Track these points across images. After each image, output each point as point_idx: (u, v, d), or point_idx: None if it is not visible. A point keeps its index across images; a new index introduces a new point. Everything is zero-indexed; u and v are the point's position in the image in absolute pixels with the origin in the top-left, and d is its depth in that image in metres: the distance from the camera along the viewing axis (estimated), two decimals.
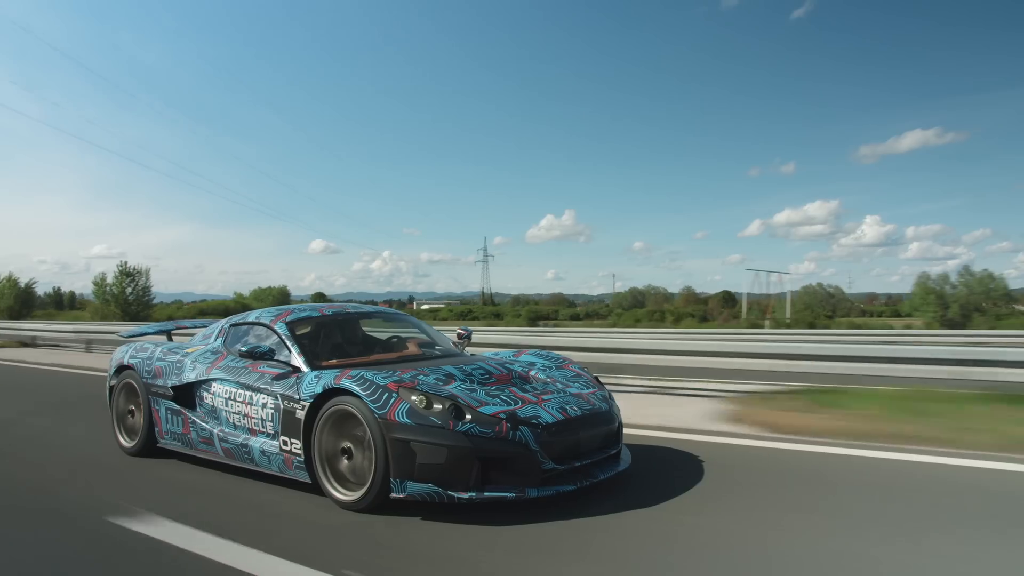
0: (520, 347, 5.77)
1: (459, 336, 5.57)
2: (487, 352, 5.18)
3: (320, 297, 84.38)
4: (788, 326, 36.04)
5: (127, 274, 43.31)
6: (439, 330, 5.69)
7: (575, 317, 71.00)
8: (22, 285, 43.76)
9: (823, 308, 57.42)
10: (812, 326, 35.56)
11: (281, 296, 75.45)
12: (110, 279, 43.03)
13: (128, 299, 42.24)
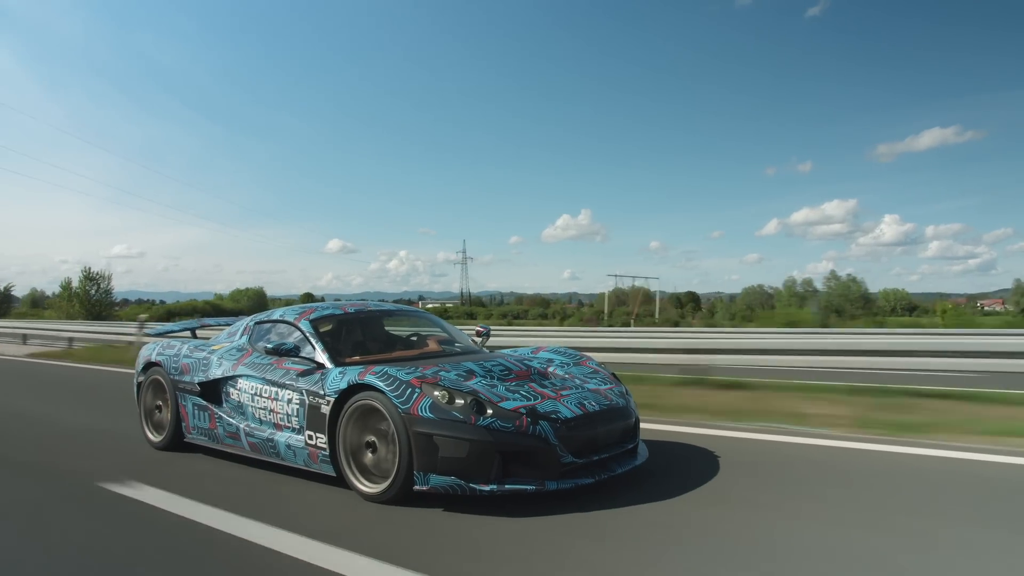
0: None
1: (478, 334, 5.67)
2: (506, 350, 5.27)
3: (308, 298, 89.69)
4: (657, 324, 41.44)
5: (91, 278, 47.93)
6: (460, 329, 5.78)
7: (543, 316, 75.72)
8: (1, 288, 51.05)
9: (765, 307, 60.03)
10: (676, 325, 39.83)
11: (257, 297, 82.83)
12: (75, 283, 47.66)
13: (92, 300, 46.66)
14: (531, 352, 4.91)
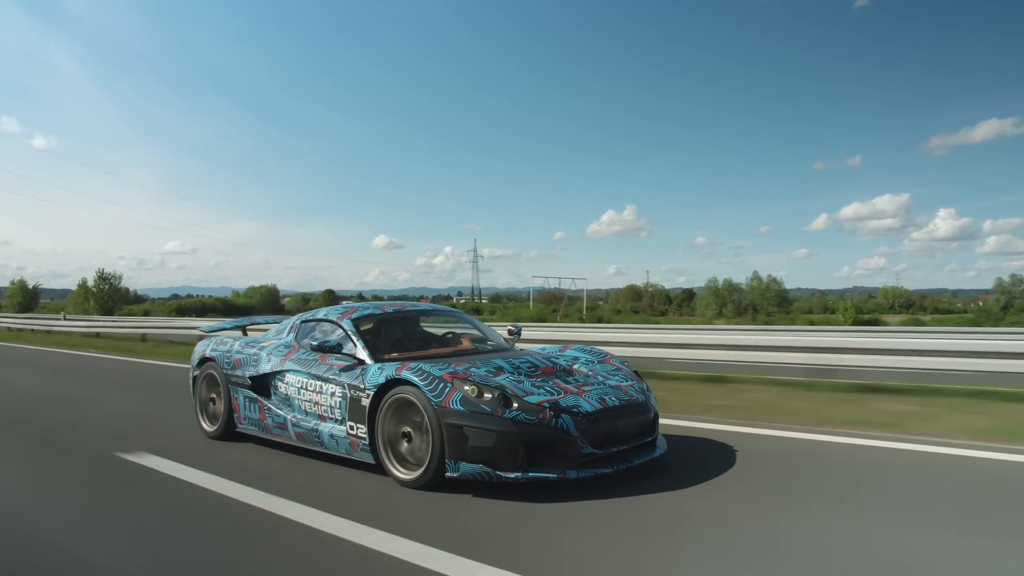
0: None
1: (510, 332, 5.96)
2: (535, 347, 5.54)
3: (330, 294, 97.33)
4: (581, 321, 45.08)
5: (104, 278, 59.66)
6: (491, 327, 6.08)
7: (591, 309, 79.19)
8: (30, 286, 61.16)
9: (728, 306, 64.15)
10: (601, 320, 43.75)
11: (270, 294, 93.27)
12: (91, 282, 59.20)
13: (105, 296, 57.87)
14: (558, 350, 5.17)
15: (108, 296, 58.36)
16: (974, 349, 7.55)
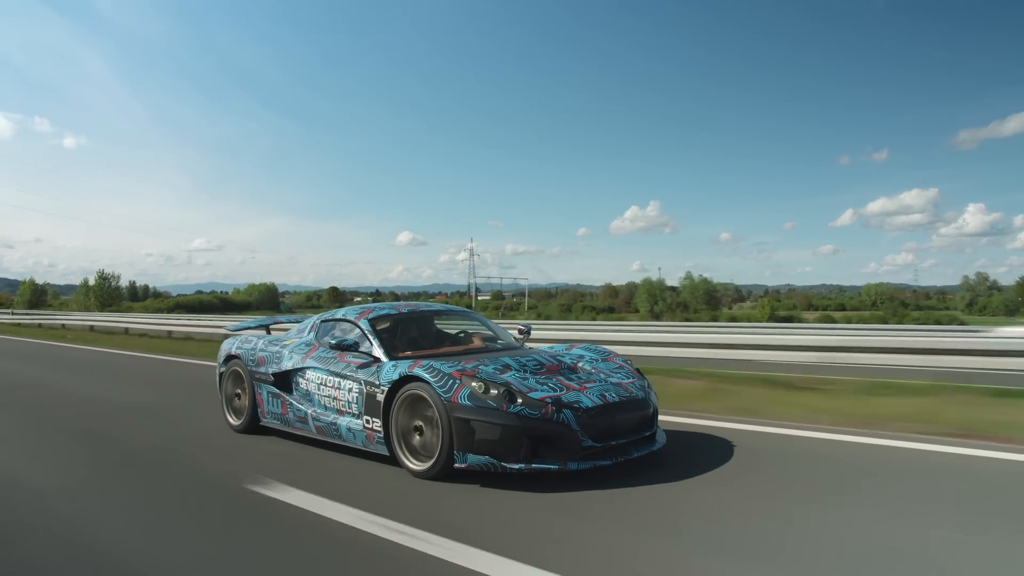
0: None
1: (520, 332, 6.21)
2: (544, 346, 5.78)
3: (334, 291, 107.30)
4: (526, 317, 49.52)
5: (104, 278, 70.46)
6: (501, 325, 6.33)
7: (532, 307, 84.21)
8: (40, 284, 73.38)
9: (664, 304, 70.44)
10: (548, 318, 49.58)
11: (269, 291, 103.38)
12: (92, 281, 69.80)
13: (104, 294, 67.68)
14: (565, 349, 5.40)
15: (107, 294, 68.56)
16: (819, 344, 9.07)
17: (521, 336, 6.13)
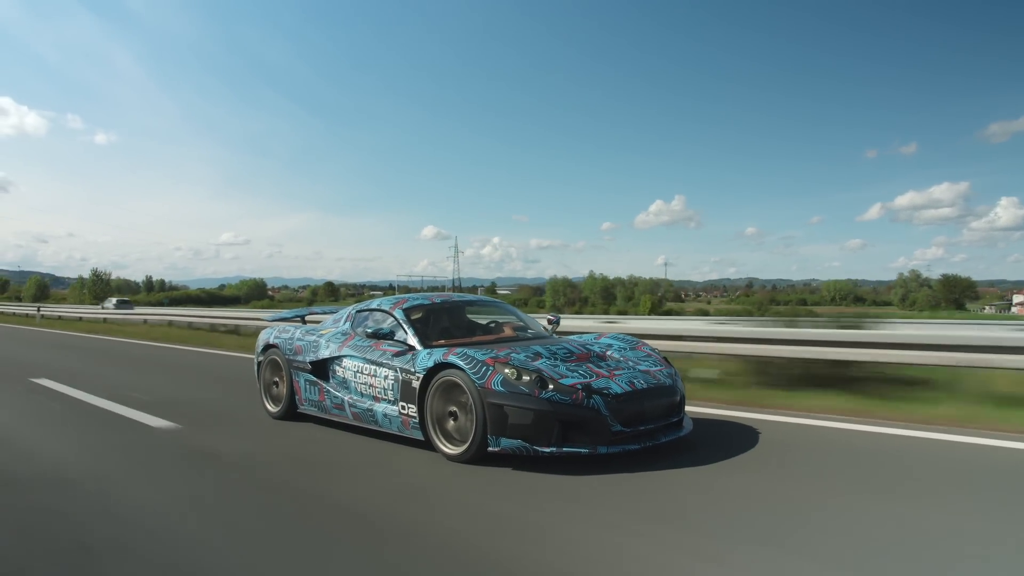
0: None
1: (549, 321, 6.36)
2: (573, 336, 5.91)
3: (329, 285, 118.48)
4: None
5: (97, 275, 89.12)
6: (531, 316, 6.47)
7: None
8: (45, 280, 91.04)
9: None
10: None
11: (257, 287, 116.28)
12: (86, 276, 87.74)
13: (97, 288, 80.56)
14: (594, 338, 5.53)
15: (100, 288, 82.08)
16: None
17: (551, 325, 6.26)
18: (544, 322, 6.34)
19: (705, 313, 48.57)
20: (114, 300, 46.55)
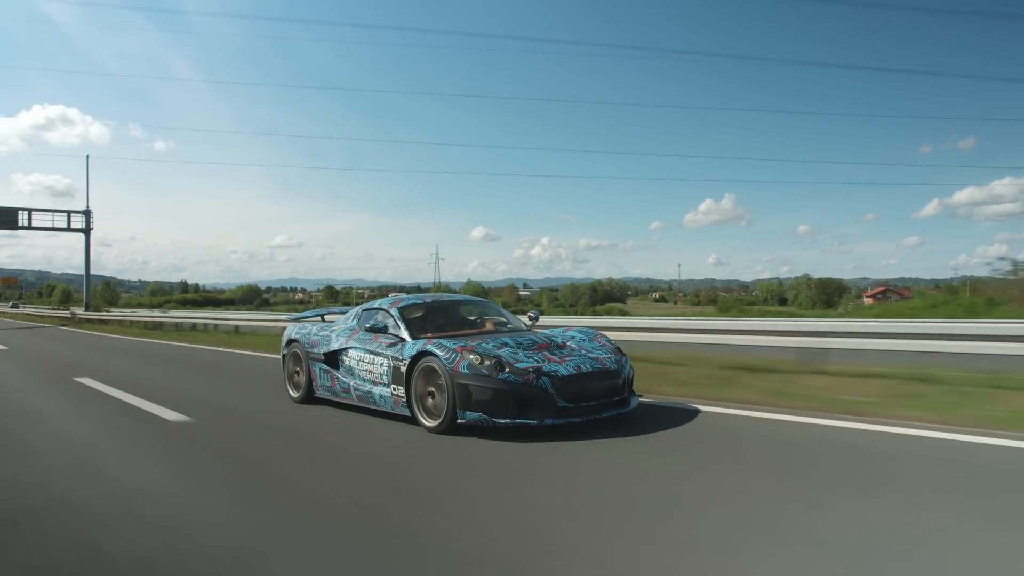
0: None
1: (530, 318, 7.27)
2: (546, 330, 6.79)
3: (330, 290, 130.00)
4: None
5: (108, 284, 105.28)
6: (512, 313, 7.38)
7: None
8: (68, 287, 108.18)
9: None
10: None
11: (250, 290, 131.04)
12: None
13: (108, 295, 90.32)
14: (563, 331, 6.40)
15: (111, 295, 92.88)
16: None
17: (531, 321, 7.18)
18: (525, 318, 7.25)
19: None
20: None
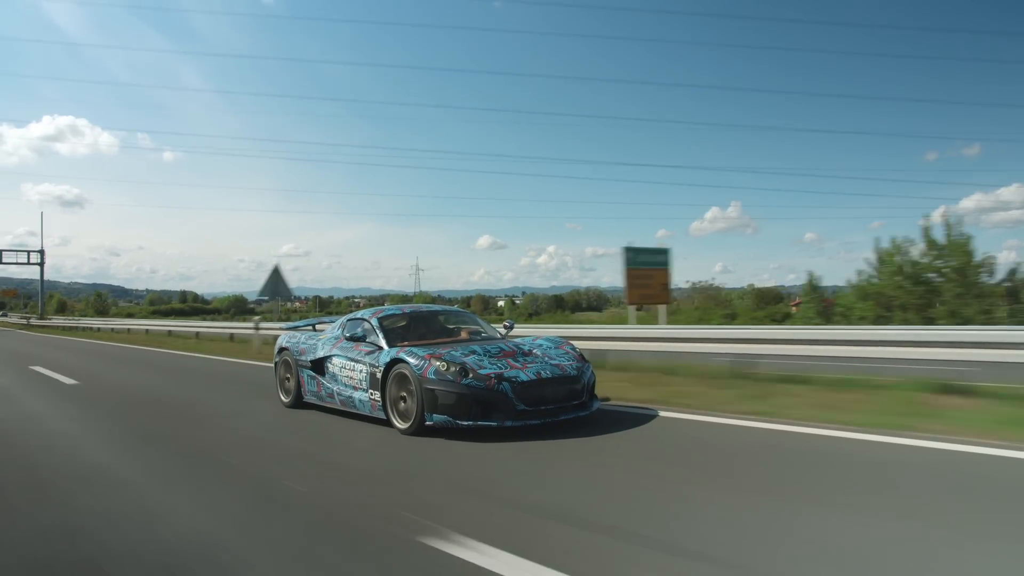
0: None
1: (504, 327, 7.68)
2: (517, 338, 7.18)
3: (317, 299, 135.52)
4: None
5: (99, 295, 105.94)
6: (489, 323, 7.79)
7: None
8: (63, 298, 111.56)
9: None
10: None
11: (237, 300, 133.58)
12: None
13: (99, 305, 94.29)
14: (532, 339, 6.81)
15: (101, 305, 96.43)
16: None
17: (505, 330, 7.59)
18: (501, 328, 7.66)
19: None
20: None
